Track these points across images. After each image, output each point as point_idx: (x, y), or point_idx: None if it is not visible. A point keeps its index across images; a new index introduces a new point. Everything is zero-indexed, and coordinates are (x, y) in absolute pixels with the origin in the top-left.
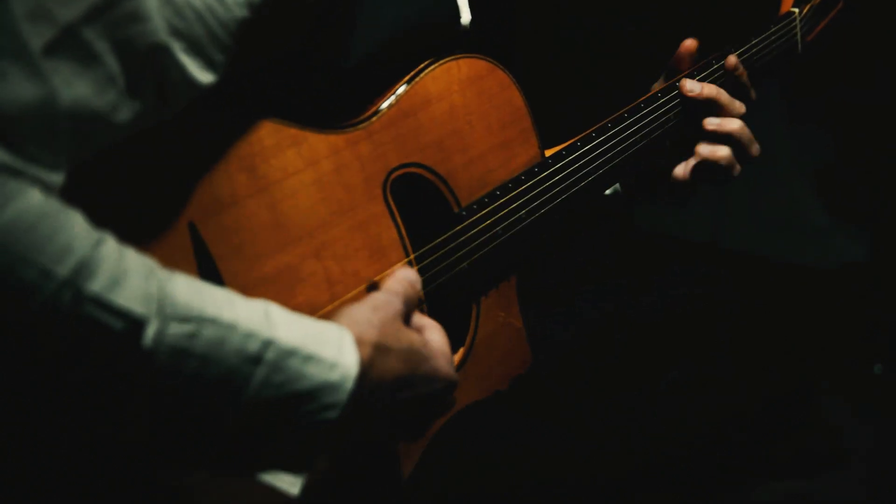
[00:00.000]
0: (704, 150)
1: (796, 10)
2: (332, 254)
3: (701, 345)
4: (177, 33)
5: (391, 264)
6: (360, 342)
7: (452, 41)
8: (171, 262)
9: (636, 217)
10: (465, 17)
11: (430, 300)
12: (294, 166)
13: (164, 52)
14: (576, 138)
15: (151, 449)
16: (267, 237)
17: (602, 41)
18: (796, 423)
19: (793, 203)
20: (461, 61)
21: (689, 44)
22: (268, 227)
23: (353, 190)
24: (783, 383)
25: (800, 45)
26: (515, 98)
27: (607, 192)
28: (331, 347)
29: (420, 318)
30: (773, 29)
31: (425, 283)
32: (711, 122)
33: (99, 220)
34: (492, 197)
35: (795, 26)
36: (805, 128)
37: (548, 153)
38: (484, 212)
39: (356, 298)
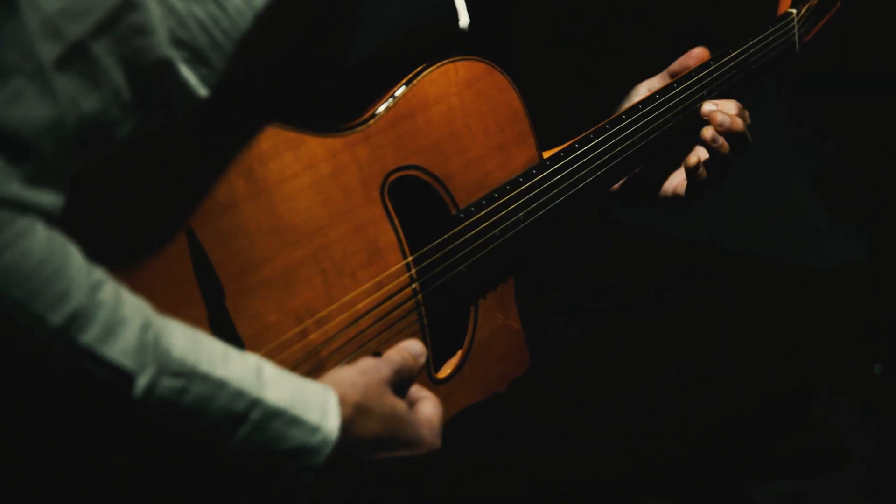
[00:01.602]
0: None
1: (794, 10)
2: (330, 257)
3: (701, 345)
4: (180, 43)
5: (389, 267)
6: (342, 402)
7: (451, 43)
8: (170, 266)
9: (636, 218)
10: (464, 19)
11: (428, 303)
12: (292, 170)
13: (167, 66)
14: (574, 140)
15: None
16: (265, 241)
17: (600, 43)
18: (796, 423)
19: (793, 203)
20: (459, 63)
21: (699, 52)
22: (266, 230)
23: (351, 193)
24: (783, 383)
25: (797, 46)
26: (513, 100)
27: None
28: (315, 411)
29: (417, 391)
30: (772, 29)
31: (423, 286)
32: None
33: (97, 224)
34: (490, 199)
35: (793, 27)
36: (805, 128)
37: (546, 155)
38: (482, 214)
39: (358, 302)
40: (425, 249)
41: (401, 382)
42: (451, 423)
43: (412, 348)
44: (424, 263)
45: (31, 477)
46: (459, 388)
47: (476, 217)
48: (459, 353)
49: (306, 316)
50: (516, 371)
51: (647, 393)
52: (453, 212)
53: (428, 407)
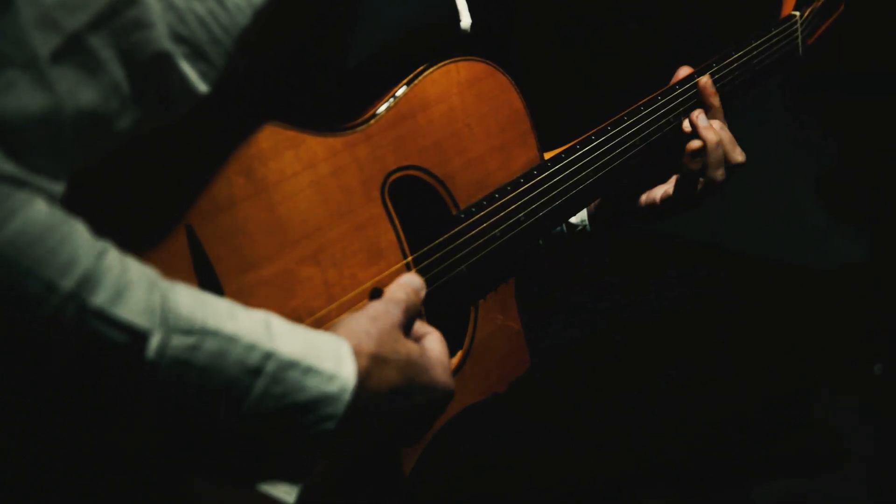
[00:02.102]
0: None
1: (797, 13)
2: (329, 256)
3: (701, 345)
4: (179, 39)
5: (389, 267)
6: (357, 353)
7: (452, 44)
8: (169, 264)
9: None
10: (465, 20)
11: (428, 303)
12: (292, 169)
13: (166, 60)
14: (575, 141)
15: (154, 454)
16: (265, 240)
17: (602, 44)
18: (796, 423)
19: (793, 203)
20: (460, 64)
21: (683, 73)
22: (265, 229)
23: (352, 192)
24: (783, 383)
25: (801, 49)
26: (514, 100)
27: (574, 221)
28: (329, 359)
29: (420, 327)
30: (774, 32)
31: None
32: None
33: (97, 222)
34: (490, 199)
35: (796, 29)
36: (805, 129)
37: (547, 156)
38: (482, 214)
39: (357, 302)
40: (425, 249)
41: (409, 322)
42: (452, 423)
43: (413, 283)
44: (424, 263)
45: (46, 461)
46: (459, 388)
47: (476, 217)
48: (459, 353)
49: (306, 315)
50: (516, 371)
51: (647, 393)
52: (454, 212)
53: (435, 344)
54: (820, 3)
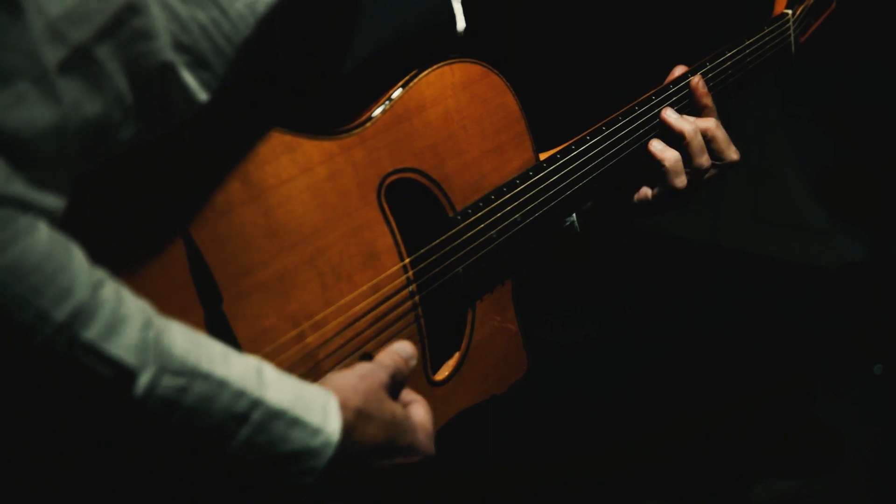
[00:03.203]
0: (656, 146)
1: (790, 11)
2: (326, 260)
3: (701, 344)
4: (182, 48)
5: (386, 270)
6: (343, 407)
7: (448, 47)
8: (167, 270)
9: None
10: (461, 23)
11: (425, 305)
12: (288, 173)
13: (169, 70)
14: (570, 141)
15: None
16: (261, 244)
17: (597, 44)
18: (796, 423)
19: (793, 203)
20: (455, 66)
21: (678, 72)
22: (262, 233)
23: (348, 196)
24: (783, 383)
25: (793, 46)
26: (509, 102)
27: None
28: (317, 412)
29: (407, 394)
30: (767, 30)
31: (420, 288)
32: (669, 116)
33: (95, 227)
34: (486, 201)
35: (789, 27)
36: (804, 129)
37: (542, 157)
38: (478, 216)
39: (355, 306)
40: (422, 252)
41: (395, 386)
42: (450, 425)
43: (403, 351)
44: (421, 266)
45: (31, 477)
46: (457, 389)
47: (473, 219)
48: (457, 355)
49: (303, 319)
50: (515, 373)
51: (646, 393)
52: (450, 214)
53: (420, 412)
54: (812, 1)
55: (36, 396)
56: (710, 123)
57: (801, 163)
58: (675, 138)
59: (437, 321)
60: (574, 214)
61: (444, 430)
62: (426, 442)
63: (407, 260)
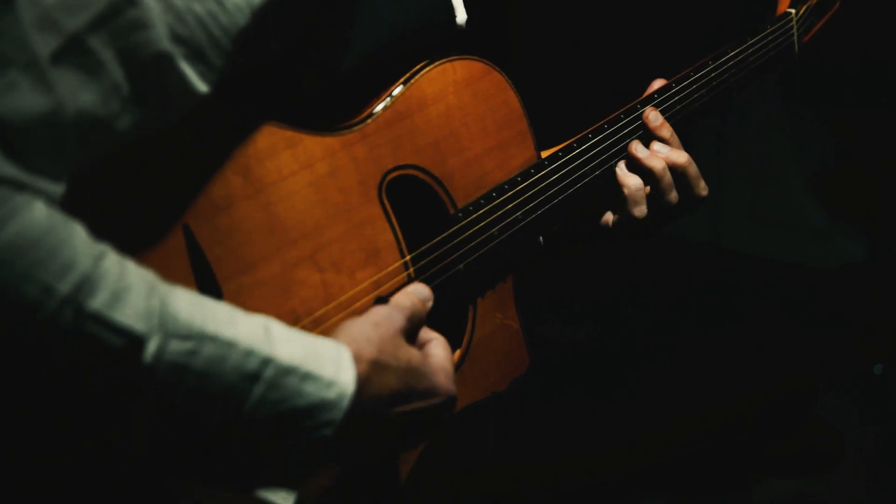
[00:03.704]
0: (621, 170)
1: (793, 10)
2: (327, 256)
3: (701, 344)
4: (178, 40)
5: (387, 266)
6: (357, 359)
7: (449, 42)
8: (167, 265)
9: None
10: (461, 16)
11: None
12: (289, 168)
13: (166, 61)
14: (572, 139)
15: (152, 457)
16: (262, 240)
17: (599, 42)
18: (796, 423)
19: (793, 203)
20: (457, 63)
21: (657, 84)
22: (263, 229)
23: (349, 192)
24: (783, 383)
25: (797, 46)
26: (511, 99)
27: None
28: (328, 365)
29: (425, 333)
30: (770, 29)
31: None
32: (636, 149)
33: (95, 222)
34: (488, 198)
35: (792, 27)
36: (804, 128)
37: (544, 154)
38: (480, 213)
39: (356, 302)
40: (423, 249)
41: (412, 328)
42: (451, 423)
43: (420, 292)
44: (422, 262)
45: (31, 477)
46: (458, 387)
47: (474, 216)
48: (458, 352)
49: (304, 315)
50: (516, 371)
51: (646, 393)
52: (451, 211)
53: (439, 351)
54: (815, 1)
55: (37, 393)
56: (681, 158)
57: (801, 163)
58: (644, 174)
59: (437, 318)
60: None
61: (444, 427)
62: (446, 382)
63: (408, 257)
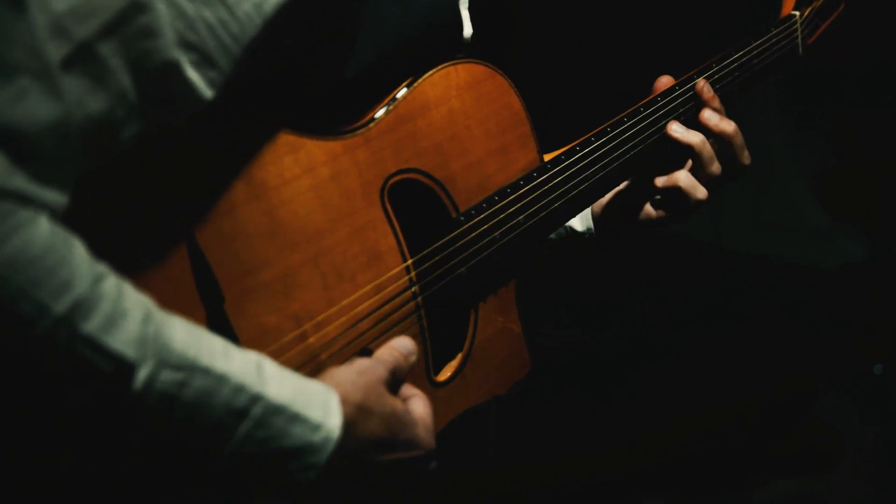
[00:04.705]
0: (661, 180)
1: (797, 13)
2: (329, 260)
3: (701, 344)
4: (188, 46)
5: (389, 270)
6: (344, 402)
7: (454, 51)
8: (169, 268)
9: None
10: (468, 29)
11: (428, 306)
12: (291, 172)
13: (173, 68)
14: (575, 143)
15: (153, 457)
16: (264, 244)
17: (602, 45)
18: (796, 423)
19: (793, 203)
20: (460, 66)
21: (665, 81)
22: (265, 233)
23: (351, 196)
24: (783, 383)
25: (800, 48)
26: (514, 103)
27: (580, 229)
28: (317, 408)
29: (406, 389)
30: (774, 31)
31: (423, 289)
32: (675, 131)
33: (97, 226)
34: (490, 202)
35: (796, 29)
36: (805, 129)
37: (546, 158)
38: (482, 217)
39: (358, 306)
40: (425, 252)
41: (395, 382)
42: (452, 425)
43: (403, 346)
44: (424, 266)
45: (30, 476)
46: (460, 390)
47: (476, 220)
48: (459, 355)
49: (306, 319)
50: (517, 374)
51: (646, 393)
52: (453, 215)
53: (420, 406)
54: (820, 3)
55: (36, 396)
56: (729, 127)
57: (802, 163)
58: (683, 152)
59: (439, 322)
60: (592, 225)
61: (446, 429)
62: (426, 436)
63: (410, 260)
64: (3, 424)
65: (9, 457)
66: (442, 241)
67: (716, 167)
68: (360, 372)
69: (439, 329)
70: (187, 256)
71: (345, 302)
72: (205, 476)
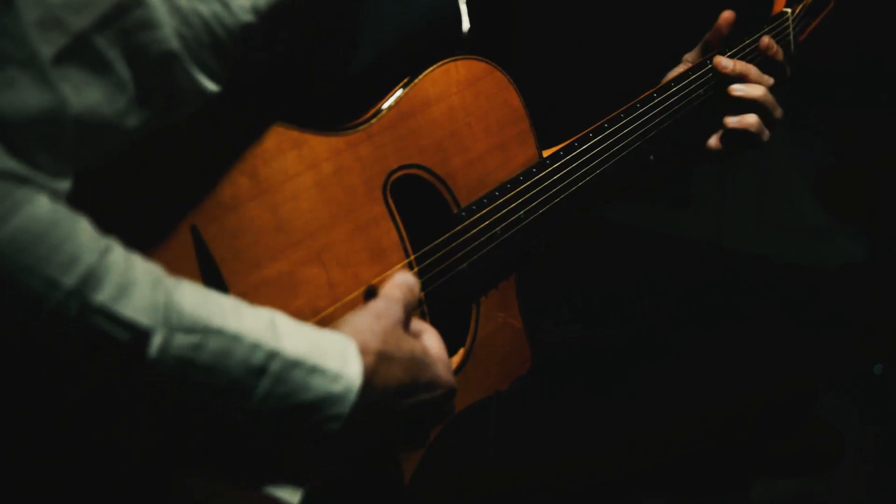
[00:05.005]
0: (732, 120)
1: (789, 10)
2: (333, 256)
3: (701, 344)
4: (184, 41)
5: (392, 266)
6: (363, 351)
7: (454, 47)
8: (174, 264)
9: (636, 217)
10: (466, 24)
11: (430, 301)
12: (295, 169)
13: (174, 60)
14: (573, 139)
15: (159, 453)
16: (268, 240)
17: (600, 41)
18: (796, 422)
19: (793, 203)
20: (460, 63)
21: (727, 15)
22: (269, 229)
23: (354, 192)
24: (783, 383)
25: (792, 45)
26: (513, 99)
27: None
28: (335, 358)
29: (417, 324)
30: (766, 29)
31: (425, 285)
32: (738, 89)
33: (101, 222)
34: (491, 198)
35: (788, 26)
36: (805, 129)
37: (546, 154)
38: (483, 212)
39: (355, 303)
40: (427, 248)
41: (408, 320)
42: (453, 422)
43: (408, 280)
44: (426, 262)
45: (31, 477)
46: (462, 386)
47: (477, 216)
48: (461, 351)
49: (310, 315)
50: (519, 370)
51: (647, 392)
52: (455, 210)
53: (435, 343)
54: (811, 0)
55: (39, 389)
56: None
57: (801, 163)
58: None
59: (441, 317)
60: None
61: (446, 427)
62: (446, 374)
63: (412, 256)
64: (10, 419)
65: (14, 453)
66: (444, 237)
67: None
68: (378, 316)
69: (441, 324)
70: (193, 252)
71: (348, 298)
72: (219, 461)
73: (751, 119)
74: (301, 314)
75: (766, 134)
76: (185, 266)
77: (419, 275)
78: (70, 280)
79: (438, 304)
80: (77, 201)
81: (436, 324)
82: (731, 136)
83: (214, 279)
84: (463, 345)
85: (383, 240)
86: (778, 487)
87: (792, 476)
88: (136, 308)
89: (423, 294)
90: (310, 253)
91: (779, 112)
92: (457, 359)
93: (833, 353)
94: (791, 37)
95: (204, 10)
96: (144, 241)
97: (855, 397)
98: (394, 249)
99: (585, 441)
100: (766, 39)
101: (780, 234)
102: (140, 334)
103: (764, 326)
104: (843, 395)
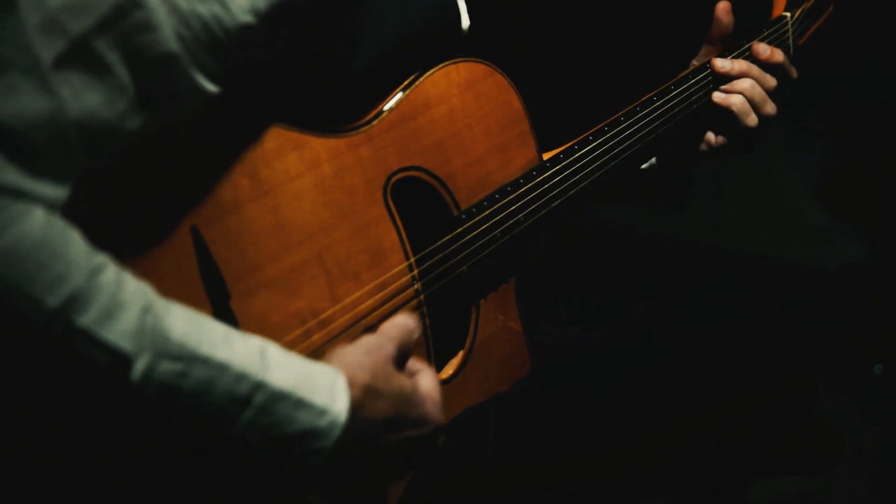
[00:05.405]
0: (718, 96)
1: (788, 13)
2: (333, 257)
3: (700, 345)
4: (183, 42)
5: (392, 268)
6: (351, 385)
7: (453, 46)
8: (174, 265)
9: (636, 218)
10: (465, 22)
11: (429, 303)
12: (296, 170)
13: (174, 61)
14: (573, 141)
15: (153, 457)
16: (269, 241)
17: (600, 45)
18: (796, 422)
19: (793, 203)
20: (460, 65)
21: (724, 5)
22: (270, 230)
23: (354, 193)
24: (783, 383)
25: (792, 49)
26: (513, 101)
27: (643, 166)
28: (323, 392)
29: (414, 363)
30: (766, 33)
31: (425, 287)
32: (716, 97)
33: (102, 222)
34: (490, 200)
35: (787, 30)
36: (804, 129)
37: (546, 156)
38: (483, 215)
39: (360, 304)
40: (427, 250)
41: (401, 358)
42: (452, 424)
43: (408, 323)
44: (426, 264)
45: (31, 477)
46: (461, 388)
47: (477, 218)
48: (461, 353)
49: (310, 317)
50: (518, 372)
51: (646, 393)
52: (455, 213)
53: (428, 381)
54: (810, 4)
55: (36, 395)
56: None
57: (801, 163)
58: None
59: (441, 320)
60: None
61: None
62: (435, 412)
63: (412, 258)
64: (4, 424)
65: (14, 453)
66: (444, 240)
67: (770, 107)
68: (368, 351)
69: (441, 327)
70: (194, 253)
71: (348, 299)
72: (212, 468)
73: (735, 98)
74: (301, 316)
75: (753, 118)
76: (185, 267)
77: (419, 276)
78: (54, 301)
79: (438, 306)
80: (77, 202)
81: (435, 326)
82: (720, 122)
83: (215, 280)
84: (462, 347)
85: (384, 241)
86: (778, 487)
87: (792, 476)
88: (121, 333)
89: (422, 297)
90: (310, 254)
91: (770, 107)
92: (456, 361)
93: (833, 353)
94: (790, 40)
95: (203, 11)
96: (145, 242)
97: (855, 397)
98: (394, 251)
99: (585, 442)
100: (756, 46)
101: (780, 234)
102: (121, 359)
103: (764, 326)
104: (843, 395)
